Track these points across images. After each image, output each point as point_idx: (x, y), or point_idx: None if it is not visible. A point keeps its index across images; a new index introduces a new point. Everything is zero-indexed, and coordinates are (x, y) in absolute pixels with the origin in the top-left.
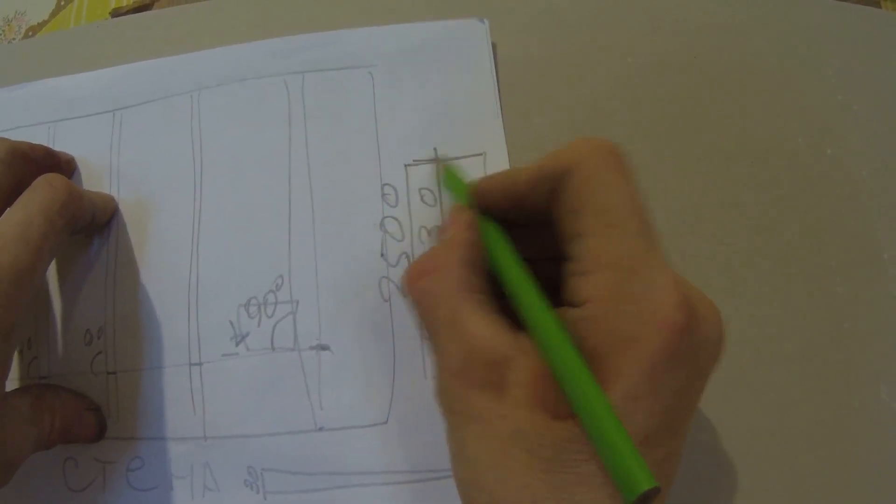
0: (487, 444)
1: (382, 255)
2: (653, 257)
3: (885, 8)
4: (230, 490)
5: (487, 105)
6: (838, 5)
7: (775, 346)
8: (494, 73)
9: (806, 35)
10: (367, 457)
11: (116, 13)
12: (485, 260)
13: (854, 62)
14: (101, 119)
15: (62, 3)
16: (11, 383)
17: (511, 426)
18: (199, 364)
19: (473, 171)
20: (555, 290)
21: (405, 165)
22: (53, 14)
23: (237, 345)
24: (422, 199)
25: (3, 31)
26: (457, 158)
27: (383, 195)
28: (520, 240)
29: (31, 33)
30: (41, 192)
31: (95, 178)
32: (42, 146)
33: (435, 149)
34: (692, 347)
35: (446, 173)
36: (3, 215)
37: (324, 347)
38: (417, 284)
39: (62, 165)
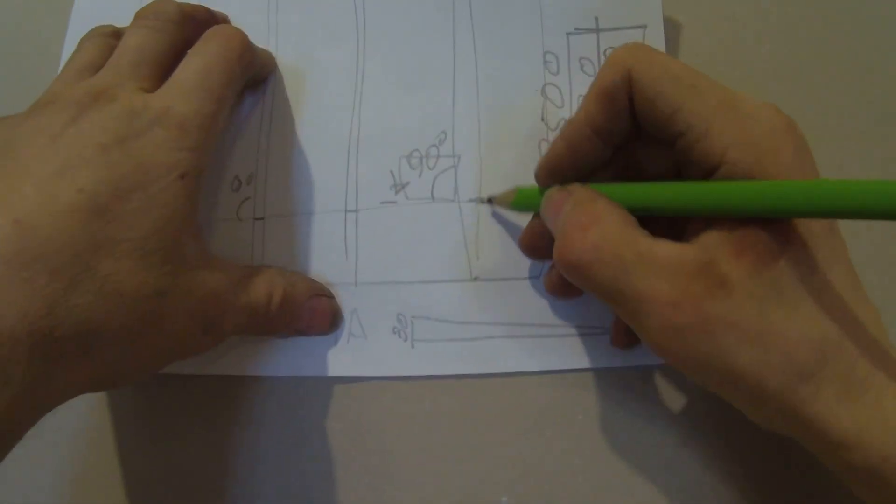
0: (754, 324)
1: (543, 119)
2: (732, 92)
3: None
4: (377, 337)
5: None
6: None
7: None
8: None
9: None
10: (519, 308)
11: None
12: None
13: None
14: None
15: None
16: None
17: (757, 293)
18: (356, 211)
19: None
20: None
21: (567, 34)
22: None
23: (396, 193)
24: (582, 68)
25: None
26: (617, 29)
27: (545, 62)
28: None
29: None
30: (217, 42)
31: (253, 37)
32: (201, 6)
33: (596, 18)
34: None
35: (519, 191)
36: (181, 65)
37: (483, 201)
38: (586, 237)
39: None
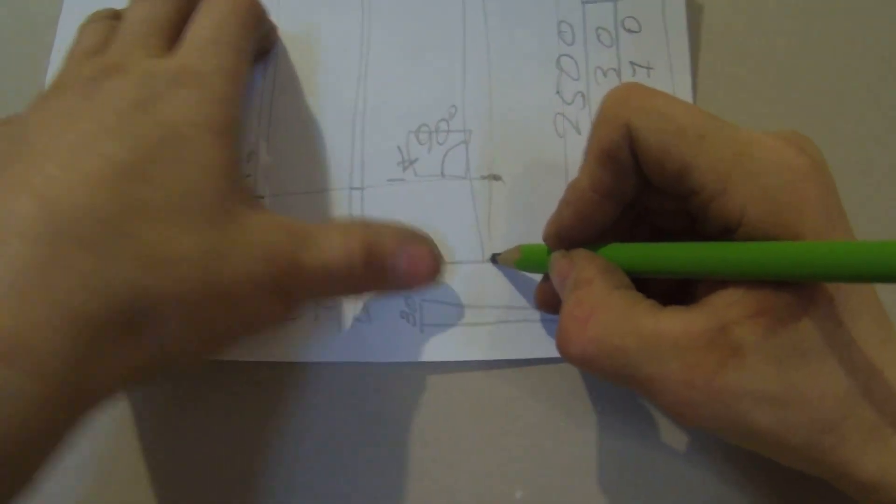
0: (771, 386)
1: (558, 92)
2: (744, 130)
3: None
4: (384, 321)
5: None
6: None
7: None
8: None
9: None
10: (533, 291)
11: None
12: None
13: None
14: None
15: None
16: None
17: (775, 354)
18: (361, 188)
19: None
20: None
21: (582, 2)
22: None
23: (405, 170)
24: (598, 38)
25: None
26: None
27: (559, 32)
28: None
29: None
30: None
31: None
32: None
33: None
34: (823, 169)
35: (523, 251)
36: (191, 26)
37: (496, 177)
38: (584, 333)
39: None
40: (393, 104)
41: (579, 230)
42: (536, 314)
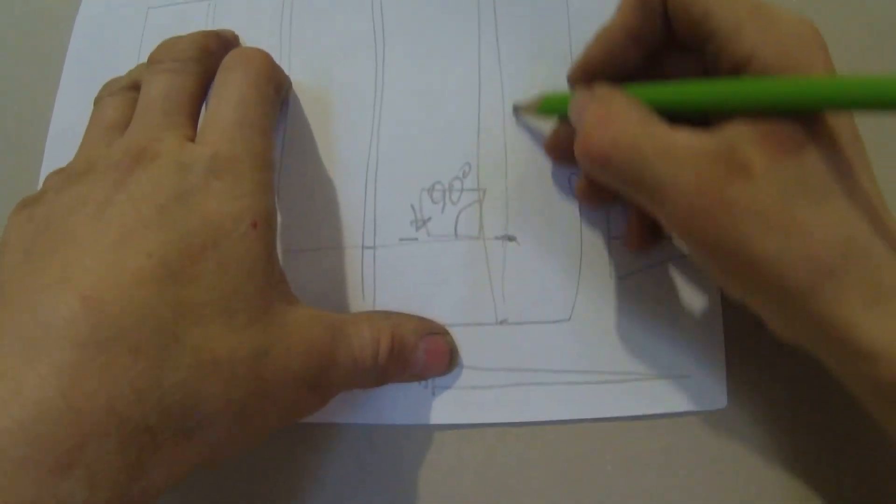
0: (776, 212)
1: None
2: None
3: None
4: (397, 384)
5: None
6: None
7: None
8: None
9: None
10: (547, 354)
11: None
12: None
13: None
14: None
15: None
16: None
17: (781, 181)
18: (374, 248)
19: None
20: None
21: None
22: None
23: (417, 230)
24: None
25: None
26: None
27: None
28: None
29: None
30: (242, 69)
31: None
32: (212, 32)
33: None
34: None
35: (546, 97)
36: (213, 103)
37: (510, 238)
38: (606, 133)
39: (232, 44)
40: (406, 160)
41: (602, 68)
42: (548, 377)
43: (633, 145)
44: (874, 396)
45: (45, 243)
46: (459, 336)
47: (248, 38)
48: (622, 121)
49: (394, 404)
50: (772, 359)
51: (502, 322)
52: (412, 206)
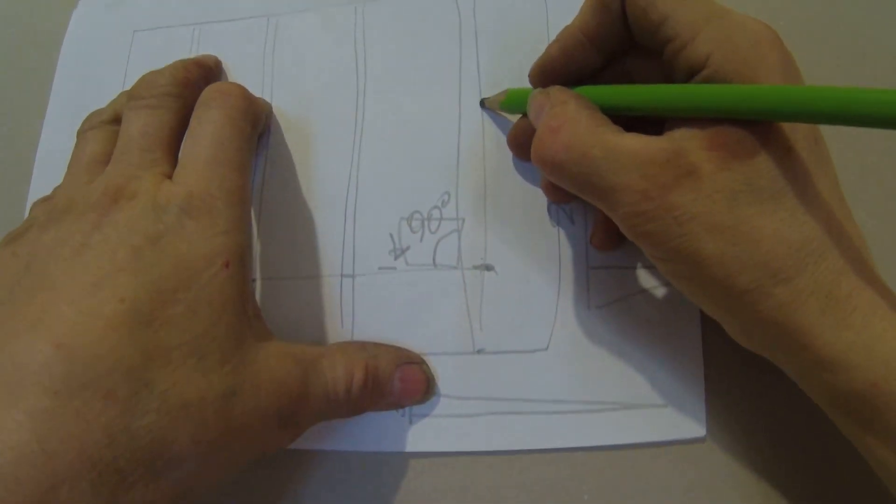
0: (722, 216)
1: None
2: (722, 6)
3: None
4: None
5: None
6: None
7: None
8: None
9: None
10: (525, 383)
11: None
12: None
13: None
14: (254, 24)
15: None
16: None
17: (728, 186)
18: (352, 276)
19: None
20: None
21: None
22: None
23: (396, 258)
24: None
25: None
26: None
27: None
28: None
29: None
30: (218, 104)
31: (248, 83)
32: (190, 62)
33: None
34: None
35: (509, 93)
36: (189, 140)
37: (488, 268)
38: (557, 140)
39: (214, 72)
40: (385, 189)
41: (562, 69)
42: (524, 406)
43: (583, 152)
44: (832, 405)
45: (26, 285)
46: (437, 365)
47: (231, 64)
48: (573, 127)
49: (371, 432)
50: (750, 388)
51: (480, 351)
52: (391, 235)
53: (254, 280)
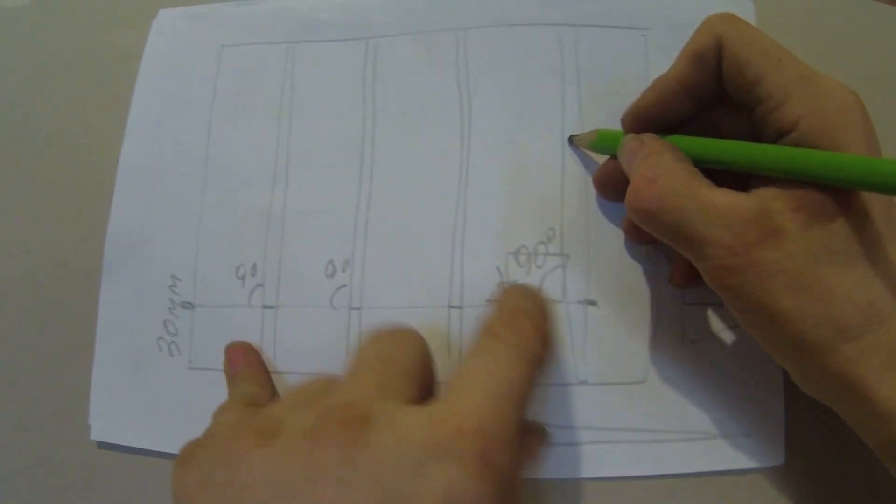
0: (802, 275)
1: None
2: (813, 69)
3: None
4: None
5: None
6: None
7: None
8: None
9: None
10: (623, 414)
11: None
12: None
13: None
14: (351, 46)
15: None
16: (240, 310)
17: (809, 247)
18: (461, 308)
19: None
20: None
21: None
22: None
23: None
24: None
25: None
26: None
27: None
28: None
29: None
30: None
31: (347, 107)
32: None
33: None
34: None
35: (600, 134)
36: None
37: (591, 303)
38: (652, 190)
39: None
40: (492, 223)
41: (654, 118)
42: (628, 435)
43: (677, 204)
44: (887, 452)
45: None
46: (541, 395)
47: (326, 87)
48: (669, 178)
49: None
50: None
51: (582, 382)
52: (498, 269)
53: (358, 308)
